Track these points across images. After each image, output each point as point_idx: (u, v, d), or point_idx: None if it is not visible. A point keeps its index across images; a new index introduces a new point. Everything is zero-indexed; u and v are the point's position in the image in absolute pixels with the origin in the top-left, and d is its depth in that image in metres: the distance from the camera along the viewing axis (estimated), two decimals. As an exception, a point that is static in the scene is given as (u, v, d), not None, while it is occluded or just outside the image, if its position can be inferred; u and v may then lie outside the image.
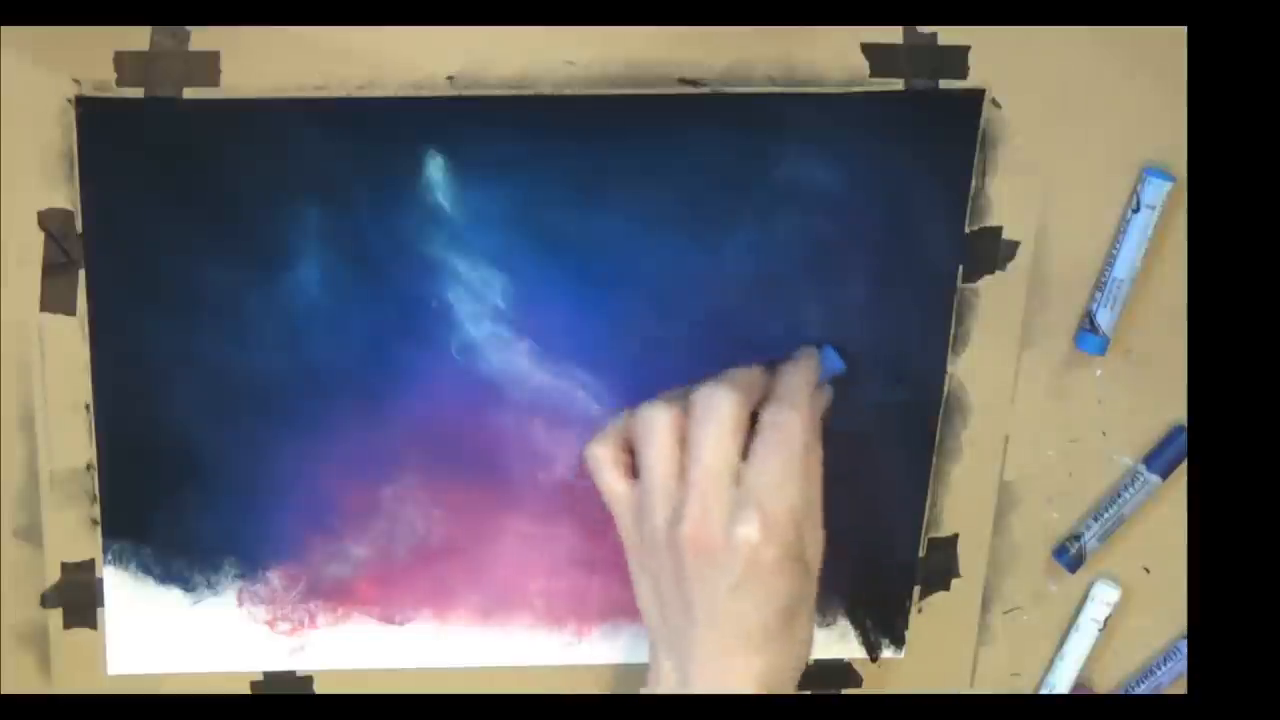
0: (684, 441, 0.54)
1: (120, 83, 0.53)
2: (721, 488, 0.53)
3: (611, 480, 0.55)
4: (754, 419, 0.54)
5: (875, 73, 0.55)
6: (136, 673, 0.60)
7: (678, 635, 0.54)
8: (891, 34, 0.55)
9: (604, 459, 0.55)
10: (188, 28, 0.53)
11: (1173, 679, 0.64)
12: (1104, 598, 0.63)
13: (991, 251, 0.58)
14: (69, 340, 0.56)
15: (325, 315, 0.57)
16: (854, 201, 0.57)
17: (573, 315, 0.57)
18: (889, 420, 0.60)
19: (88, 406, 0.57)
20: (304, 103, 0.54)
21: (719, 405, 0.53)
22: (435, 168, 0.55)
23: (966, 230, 0.58)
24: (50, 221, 0.55)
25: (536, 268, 0.57)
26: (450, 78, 0.54)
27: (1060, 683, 0.64)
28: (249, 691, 0.61)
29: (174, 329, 0.56)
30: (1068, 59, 0.56)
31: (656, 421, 0.54)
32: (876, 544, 0.61)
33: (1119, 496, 0.62)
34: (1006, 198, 0.58)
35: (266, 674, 0.61)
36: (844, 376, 0.58)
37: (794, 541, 0.53)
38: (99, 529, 0.59)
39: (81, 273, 0.55)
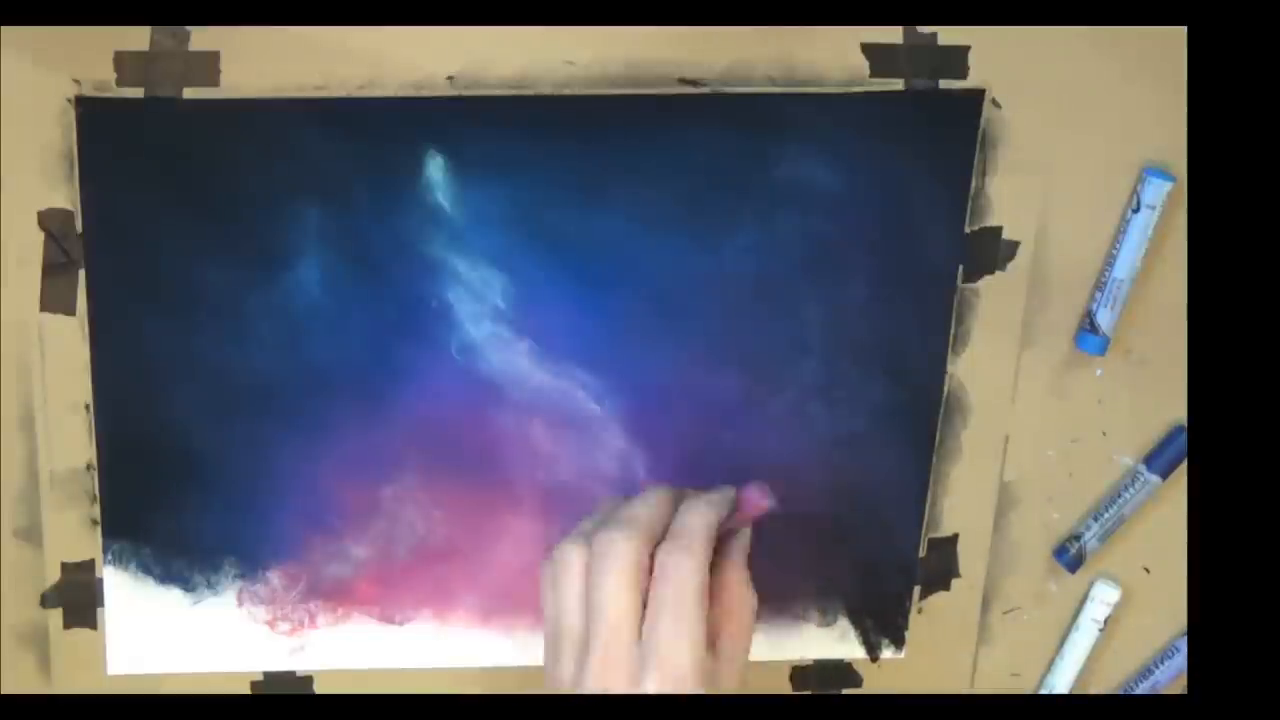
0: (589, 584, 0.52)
1: (120, 83, 0.53)
2: (622, 643, 0.51)
3: (547, 606, 0.53)
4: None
5: (875, 73, 0.55)
6: (136, 673, 0.60)
7: None
8: (891, 34, 0.55)
9: (546, 578, 0.53)
10: (188, 28, 0.53)
11: (1172, 679, 0.64)
12: (1104, 598, 0.63)
13: (991, 251, 0.58)
14: (69, 340, 0.56)
15: (325, 315, 0.57)
16: (854, 201, 0.57)
17: (573, 315, 0.57)
18: (889, 420, 0.60)
19: (88, 406, 0.57)
20: (304, 103, 0.54)
21: (617, 553, 0.51)
22: (435, 168, 0.55)
23: (966, 230, 0.58)
24: (50, 221, 0.55)
25: (536, 268, 0.57)
26: (450, 78, 0.54)
27: (1060, 683, 0.64)
28: (249, 691, 0.61)
29: (174, 329, 0.56)
30: (1068, 59, 0.56)
31: (568, 562, 0.52)
32: (876, 544, 0.61)
33: (1119, 496, 0.62)
34: (1006, 198, 0.58)
35: (266, 674, 0.61)
36: (776, 508, 0.55)
37: (697, 691, 0.51)
38: (99, 529, 0.59)
39: (81, 273, 0.55)
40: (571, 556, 0.52)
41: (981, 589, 0.63)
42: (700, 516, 0.53)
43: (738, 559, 0.54)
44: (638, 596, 0.51)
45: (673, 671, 0.51)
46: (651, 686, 0.51)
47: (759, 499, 0.54)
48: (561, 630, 0.52)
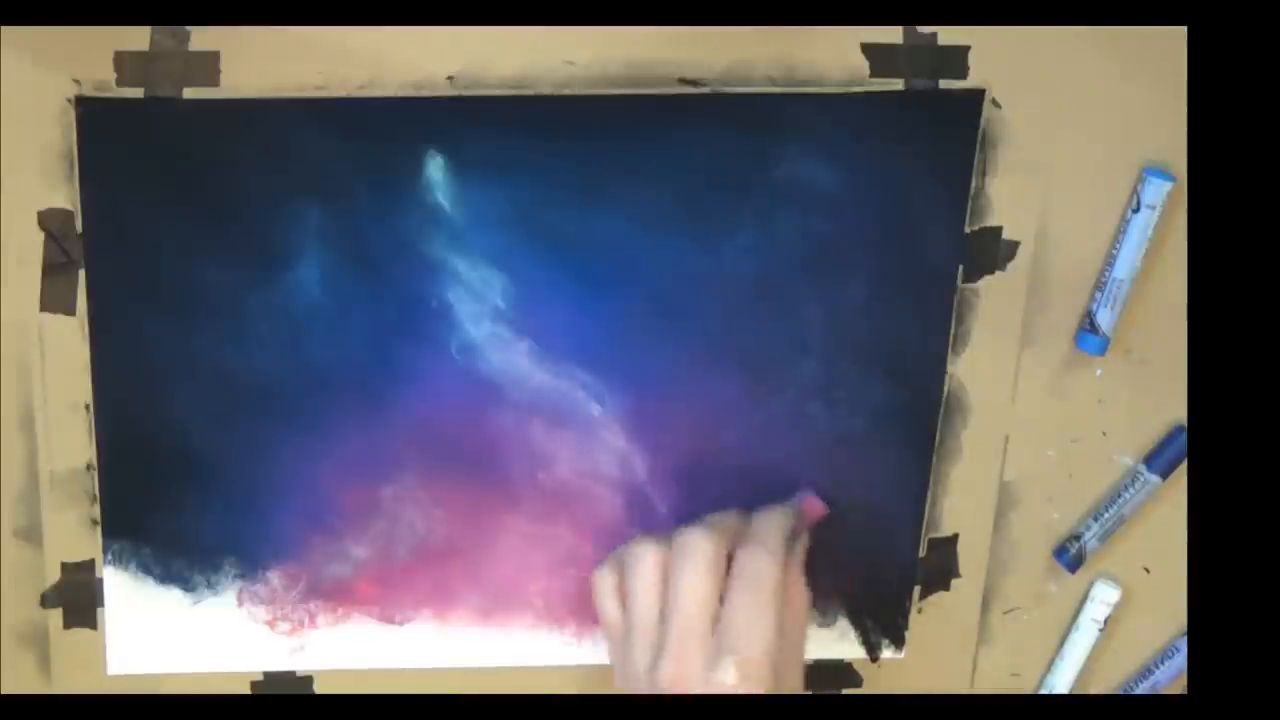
0: (668, 579, 0.55)
1: (120, 83, 0.53)
2: (698, 632, 0.53)
3: (609, 607, 0.56)
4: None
5: (875, 73, 0.55)
6: (136, 673, 0.61)
7: None
8: (891, 34, 0.55)
9: (604, 586, 0.57)
10: (188, 28, 0.53)
11: (1172, 679, 0.64)
12: (1104, 598, 0.63)
13: (991, 251, 0.58)
14: (69, 340, 0.56)
15: (325, 315, 0.57)
16: (854, 201, 0.57)
17: (573, 315, 0.57)
18: (889, 420, 0.60)
19: (88, 406, 0.57)
20: (304, 103, 0.54)
21: (697, 548, 0.54)
22: (435, 168, 0.55)
23: (966, 230, 0.58)
24: (50, 221, 0.55)
25: (536, 268, 0.57)
26: (450, 78, 0.54)
27: (1060, 683, 0.64)
28: (249, 691, 0.61)
29: (174, 329, 0.56)
30: (1068, 59, 0.56)
31: (643, 557, 0.55)
32: (876, 544, 0.61)
33: (1119, 496, 0.62)
34: (1006, 198, 0.58)
35: (266, 674, 0.61)
36: (829, 513, 0.60)
37: (769, 684, 0.53)
38: (99, 529, 0.59)
39: (81, 273, 0.55)
40: (647, 552, 0.55)
41: (981, 589, 0.63)
42: (776, 521, 0.56)
43: (798, 560, 0.57)
44: (717, 590, 0.54)
45: (749, 659, 0.53)
46: (727, 675, 0.53)
47: (817, 506, 0.59)
48: (635, 621, 0.55)
